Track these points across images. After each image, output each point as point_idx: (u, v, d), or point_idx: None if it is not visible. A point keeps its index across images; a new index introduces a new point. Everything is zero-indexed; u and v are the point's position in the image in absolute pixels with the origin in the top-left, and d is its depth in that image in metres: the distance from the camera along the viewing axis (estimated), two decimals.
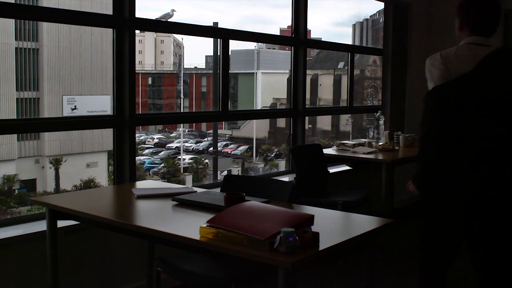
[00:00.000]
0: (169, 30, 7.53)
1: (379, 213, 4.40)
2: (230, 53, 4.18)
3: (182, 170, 14.74)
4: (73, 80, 12.24)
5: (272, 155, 15.78)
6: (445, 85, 2.42)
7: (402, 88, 6.04)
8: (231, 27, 4.20)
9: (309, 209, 2.48)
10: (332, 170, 4.97)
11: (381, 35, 6.15)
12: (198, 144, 16.55)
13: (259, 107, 16.17)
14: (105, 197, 3.02)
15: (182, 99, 16.60)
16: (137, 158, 3.95)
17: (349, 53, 5.58)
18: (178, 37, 18.36)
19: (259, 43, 15.79)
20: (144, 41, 18.76)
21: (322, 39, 5.28)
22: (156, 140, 16.62)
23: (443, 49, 6.96)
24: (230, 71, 4.20)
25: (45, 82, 11.84)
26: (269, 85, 16.72)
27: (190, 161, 15.25)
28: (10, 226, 3.05)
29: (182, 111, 16.31)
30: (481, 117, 2.34)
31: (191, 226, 2.22)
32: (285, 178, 4.64)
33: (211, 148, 15.49)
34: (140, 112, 4.61)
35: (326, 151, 4.79)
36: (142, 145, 15.67)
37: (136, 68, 3.48)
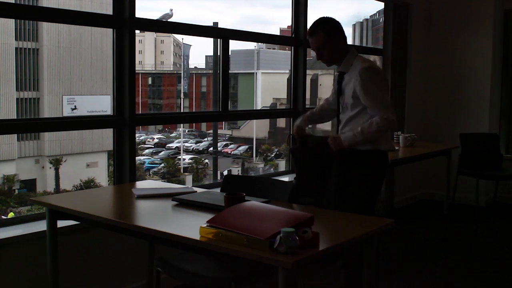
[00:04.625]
0: (169, 30, 7.54)
1: (379, 213, 4.40)
2: (230, 53, 4.18)
3: (182, 170, 14.75)
4: (73, 80, 12.25)
5: (272, 155, 15.81)
6: None
7: (402, 88, 6.04)
8: (231, 27, 4.20)
9: (309, 209, 2.48)
10: None
11: (381, 35, 6.14)
12: (198, 144, 16.57)
13: (259, 107, 16.18)
14: (105, 197, 3.02)
15: (182, 99, 16.62)
16: (137, 158, 3.94)
17: None
18: (178, 37, 18.36)
19: (259, 43, 15.80)
20: (144, 41, 18.78)
21: None
22: (156, 140, 16.64)
23: (443, 48, 7.00)
24: (230, 71, 4.20)
25: (45, 82, 11.85)
26: (269, 85, 16.74)
27: (190, 161, 15.26)
28: (10, 226, 3.05)
29: (182, 111, 16.31)
30: None
31: (191, 226, 2.22)
32: (285, 178, 4.64)
33: (211, 148, 15.51)
34: (140, 112, 4.60)
35: None
36: (142, 145, 15.69)
37: (136, 68, 3.47)
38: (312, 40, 3.10)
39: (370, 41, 15.81)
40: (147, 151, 15.75)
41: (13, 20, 10.59)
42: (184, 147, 16.08)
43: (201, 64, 18.88)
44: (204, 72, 18.03)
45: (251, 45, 18.04)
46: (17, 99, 11.42)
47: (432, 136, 6.28)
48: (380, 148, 3.06)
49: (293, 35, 4.83)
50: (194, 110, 18.54)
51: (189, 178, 13.84)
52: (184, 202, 2.61)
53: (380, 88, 3.03)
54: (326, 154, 3.06)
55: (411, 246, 4.73)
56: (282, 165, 13.73)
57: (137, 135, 3.72)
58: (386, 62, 5.88)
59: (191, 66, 18.09)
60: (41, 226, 2.92)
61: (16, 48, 11.34)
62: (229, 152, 16.31)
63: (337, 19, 3.16)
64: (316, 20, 3.14)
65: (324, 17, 3.14)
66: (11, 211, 9.79)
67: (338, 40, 3.08)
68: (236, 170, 14.97)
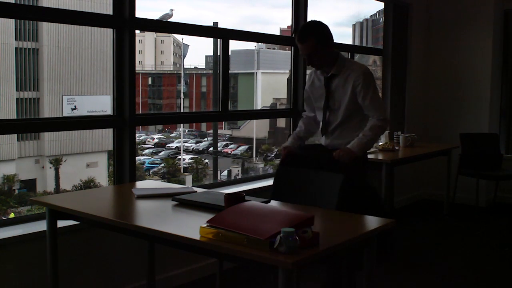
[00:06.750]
0: (169, 30, 7.52)
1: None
2: (230, 53, 4.18)
3: (182, 170, 14.74)
4: (73, 80, 12.24)
5: (272, 155, 15.78)
6: None
7: (402, 88, 6.04)
8: (231, 27, 4.20)
9: (309, 209, 2.48)
10: None
11: (381, 35, 6.15)
12: (198, 144, 16.54)
13: (259, 107, 16.17)
14: (105, 197, 3.02)
15: (182, 99, 16.60)
16: (137, 158, 3.94)
17: (349, 53, 5.58)
18: (178, 37, 18.35)
19: (259, 43, 15.78)
20: (144, 41, 18.75)
21: None
22: (156, 140, 16.61)
23: (443, 48, 7.01)
24: (230, 71, 4.20)
25: (45, 82, 11.83)
26: (269, 85, 16.71)
27: (190, 161, 15.24)
28: (10, 226, 3.05)
29: (182, 111, 16.30)
30: None
31: (191, 226, 2.22)
32: None
33: (211, 148, 15.49)
34: (140, 112, 4.60)
35: None
36: (142, 145, 15.67)
37: (136, 68, 3.48)
38: (303, 46, 3.11)
39: (370, 41, 15.82)
40: (147, 151, 15.72)
41: (13, 20, 10.59)
42: (184, 147, 16.06)
43: (201, 64, 18.85)
44: (204, 72, 18.01)
45: (251, 45, 18.00)
46: (17, 99, 11.40)
47: (432, 136, 6.28)
48: None
49: (293, 35, 4.83)
50: (194, 110, 18.53)
51: (189, 178, 13.82)
52: (184, 202, 2.61)
53: (376, 89, 3.20)
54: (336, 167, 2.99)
55: (411, 246, 4.73)
56: None
57: (137, 135, 3.72)
58: (386, 62, 5.88)
59: (191, 66, 18.09)
60: (41, 226, 2.93)
61: (16, 48, 11.33)
62: (229, 152, 16.29)
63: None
64: (306, 26, 3.17)
65: (314, 22, 3.14)
66: (11, 211, 9.79)
67: (329, 45, 3.11)
68: (236, 170, 14.95)
